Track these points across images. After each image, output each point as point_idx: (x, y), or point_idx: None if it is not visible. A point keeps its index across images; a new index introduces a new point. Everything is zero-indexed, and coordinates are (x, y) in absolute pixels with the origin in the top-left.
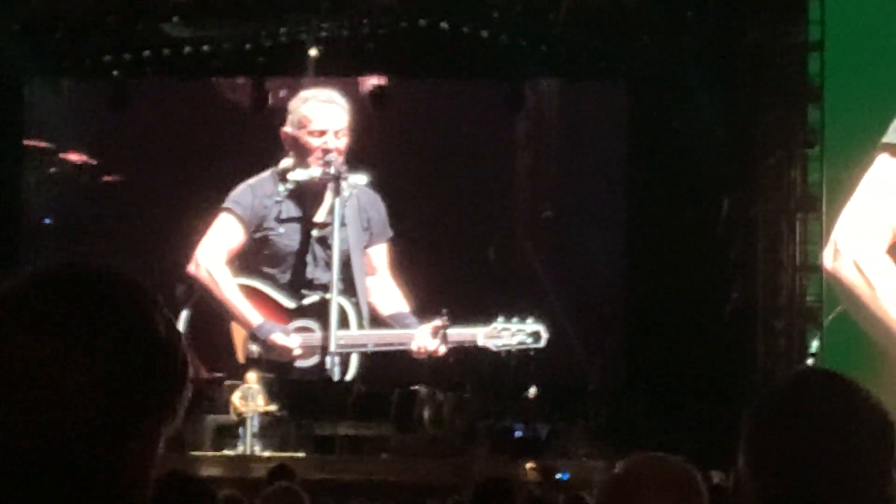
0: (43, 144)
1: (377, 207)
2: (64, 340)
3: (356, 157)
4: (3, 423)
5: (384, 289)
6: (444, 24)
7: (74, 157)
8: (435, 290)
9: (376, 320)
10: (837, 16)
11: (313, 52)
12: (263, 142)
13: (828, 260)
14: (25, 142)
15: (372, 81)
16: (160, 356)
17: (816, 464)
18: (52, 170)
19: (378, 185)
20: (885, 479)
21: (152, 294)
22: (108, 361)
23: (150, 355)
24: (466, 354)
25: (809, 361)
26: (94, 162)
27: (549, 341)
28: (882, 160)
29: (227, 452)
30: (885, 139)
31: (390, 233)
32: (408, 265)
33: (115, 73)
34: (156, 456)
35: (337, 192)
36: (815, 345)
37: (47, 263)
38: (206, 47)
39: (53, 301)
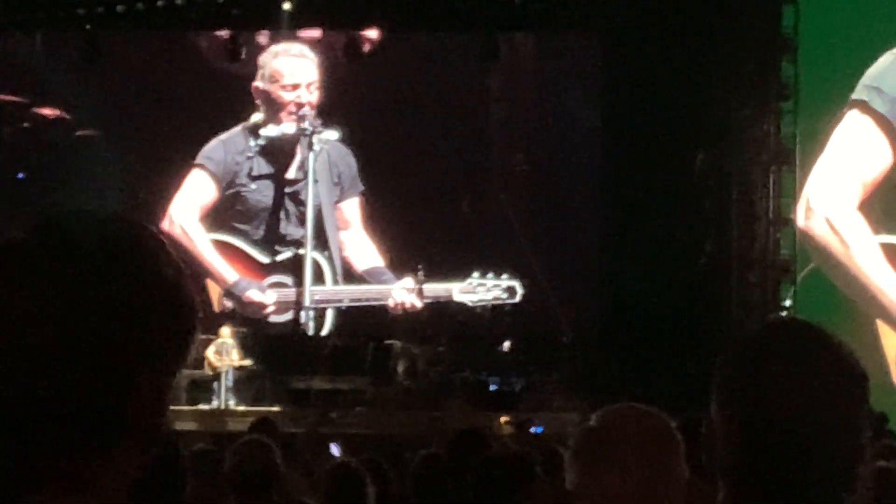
0: (16, 99)
1: (347, 162)
2: (73, 285)
3: (329, 112)
4: (18, 370)
5: (358, 243)
6: None
7: (48, 111)
8: (410, 245)
9: (351, 275)
10: None
11: (287, 5)
12: (238, 95)
13: (800, 218)
14: None
15: (345, 35)
16: (170, 299)
17: (787, 411)
18: (26, 124)
19: (351, 139)
20: (856, 427)
21: (159, 238)
22: (118, 305)
23: (160, 298)
24: (441, 308)
25: (783, 314)
26: (68, 116)
27: (525, 294)
28: (851, 116)
29: (201, 407)
30: (855, 96)
31: (361, 187)
32: (382, 220)
33: (87, 26)
34: (169, 398)
35: (309, 147)
36: (788, 298)
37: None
38: (179, 1)
39: (61, 247)
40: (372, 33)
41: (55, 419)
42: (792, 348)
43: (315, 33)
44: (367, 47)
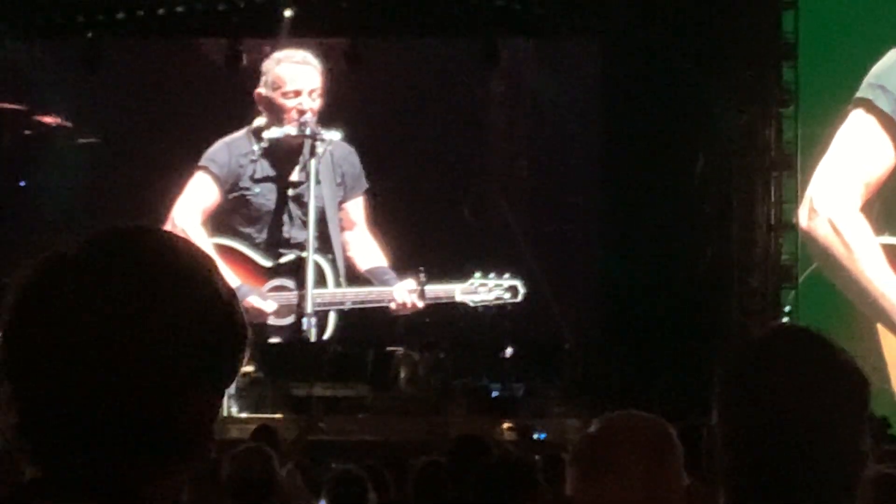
0: (17, 107)
1: (351, 161)
2: (130, 302)
3: (331, 118)
4: (75, 385)
5: (362, 243)
6: None
7: (49, 118)
8: (411, 247)
9: (354, 276)
10: None
11: (287, 12)
12: (238, 102)
13: (803, 219)
14: None
15: (346, 41)
16: (224, 318)
17: (788, 417)
18: (27, 132)
19: (354, 143)
20: (857, 434)
21: (210, 258)
22: (176, 323)
23: (216, 317)
24: (442, 313)
25: (785, 320)
26: (69, 123)
27: (525, 300)
28: (856, 115)
29: None
30: (859, 94)
31: (366, 185)
32: (384, 222)
33: (88, 33)
34: (218, 412)
35: (312, 151)
36: (789, 303)
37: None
38: (180, 7)
39: (118, 263)
40: (373, 39)
41: (109, 434)
42: (793, 354)
43: (316, 39)
44: (368, 53)
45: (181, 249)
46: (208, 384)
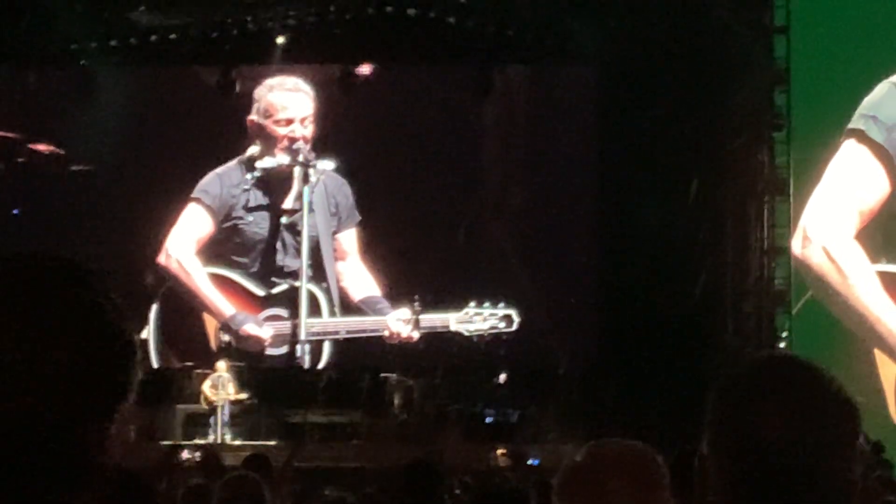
0: (10, 134)
1: (344, 192)
2: (11, 330)
3: (324, 144)
4: None
5: (355, 274)
6: (411, 11)
7: (42, 146)
8: (406, 275)
9: (348, 305)
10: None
11: (280, 39)
12: (232, 130)
13: (797, 246)
14: None
15: (339, 68)
16: (108, 340)
17: (778, 446)
18: (21, 159)
19: (346, 170)
20: (847, 462)
21: (99, 279)
22: (56, 349)
23: (99, 341)
24: (436, 340)
25: (782, 345)
26: (62, 151)
27: (520, 326)
28: (848, 146)
29: (197, 441)
30: (851, 125)
31: (358, 217)
32: (378, 250)
33: (82, 61)
34: (111, 437)
35: (304, 179)
36: (783, 328)
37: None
38: (173, 35)
39: (1, 290)
40: (366, 66)
41: (2, 469)
42: (782, 383)
43: (309, 67)
44: (361, 80)
45: (62, 272)
46: (97, 405)
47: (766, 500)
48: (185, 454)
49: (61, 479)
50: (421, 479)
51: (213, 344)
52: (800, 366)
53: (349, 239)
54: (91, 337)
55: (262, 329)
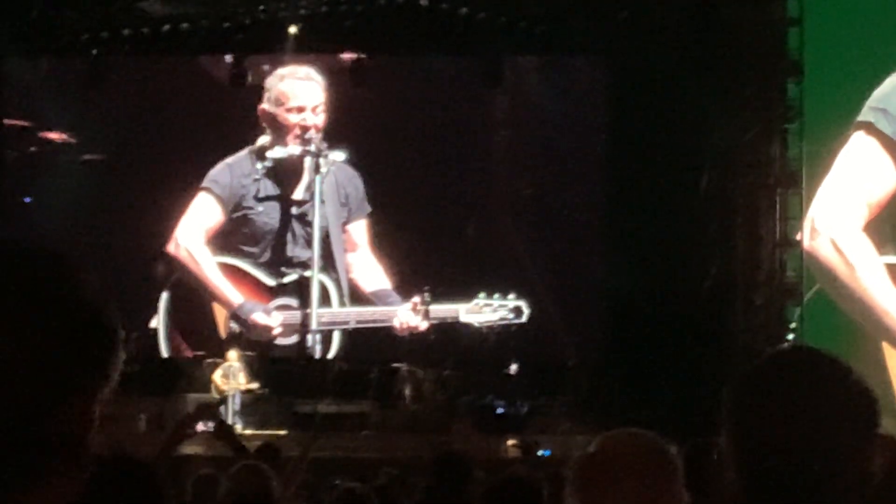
0: (22, 123)
1: (354, 183)
2: None
3: (334, 134)
4: None
5: (365, 265)
6: (422, 1)
7: (54, 135)
8: (416, 267)
9: (358, 297)
10: None
11: (292, 29)
12: (243, 119)
13: (805, 239)
14: (5, 121)
15: (350, 58)
16: (85, 321)
17: (797, 438)
18: (32, 148)
19: (357, 161)
20: (865, 452)
21: (78, 263)
22: (35, 329)
23: (74, 321)
24: (447, 331)
25: (790, 337)
26: (74, 140)
27: (530, 318)
28: (857, 138)
29: (208, 430)
30: (861, 117)
31: (368, 208)
32: (388, 242)
33: (93, 51)
34: (93, 422)
35: (315, 169)
36: (794, 321)
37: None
38: (184, 25)
39: None
40: (377, 57)
41: None
42: (800, 375)
43: (320, 56)
44: (372, 71)
45: (37, 256)
46: (77, 389)
47: (784, 490)
48: (200, 426)
49: (36, 463)
50: (450, 470)
51: (222, 333)
52: (816, 357)
53: (359, 230)
54: (65, 317)
55: (271, 318)
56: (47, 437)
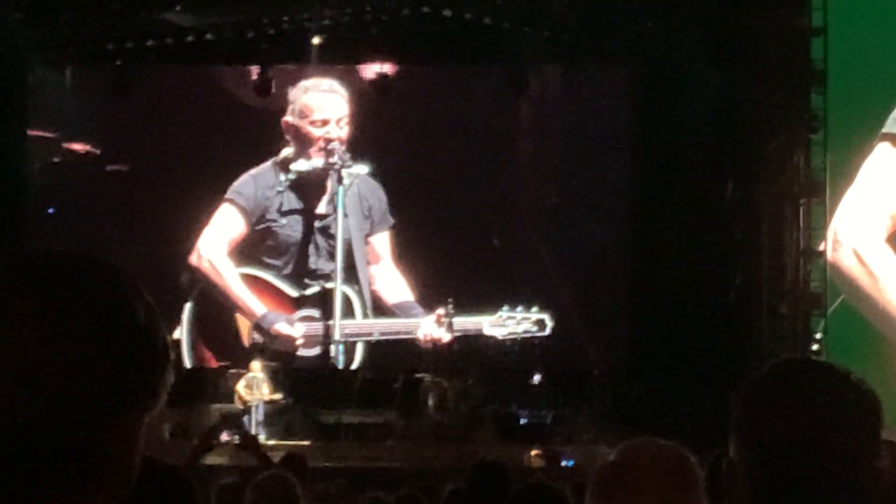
0: (47, 134)
1: (377, 196)
2: (41, 327)
3: (359, 146)
4: None
5: (388, 277)
6: (446, 11)
7: (78, 146)
8: (439, 279)
9: (381, 309)
10: (840, 1)
11: (316, 39)
12: (268, 130)
13: (828, 250)
14: (29, 131)
15: (375, 69)
16: (139, 342)
17: (802, 444)
18: (56, 159)
19: (382, 172)
20: (872, 451)
21: (132, 280)
22: (86, 348)
23: (129, 341)
24: (470, 341)
25: (814, 347)
26: (98, 151)
27: (554, 327)
28: (881, 149)
29: (232, 441)
30: (885, 129)
31: (391, 221)
32: (412, 254)
33: (118, 61)
34: (140, 441)
35: (339, 181)
36: (818, 330)
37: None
38: (208, 35)
39: (31, 287)
40: (401, 67)
41: (26, 465)
42: (802, 384)
43: (345, 67)
44: (396, 81)
45: (94, 271)
46: (127, 408)
47: (794, 495)
48: (225, 436)
49: (83, 479)
50: (490, 480)
51: (245, 343)
52: (817, 367)
53: (382, 242)
54: (121, 337)
55: (294, 328)
56: (95, 455)
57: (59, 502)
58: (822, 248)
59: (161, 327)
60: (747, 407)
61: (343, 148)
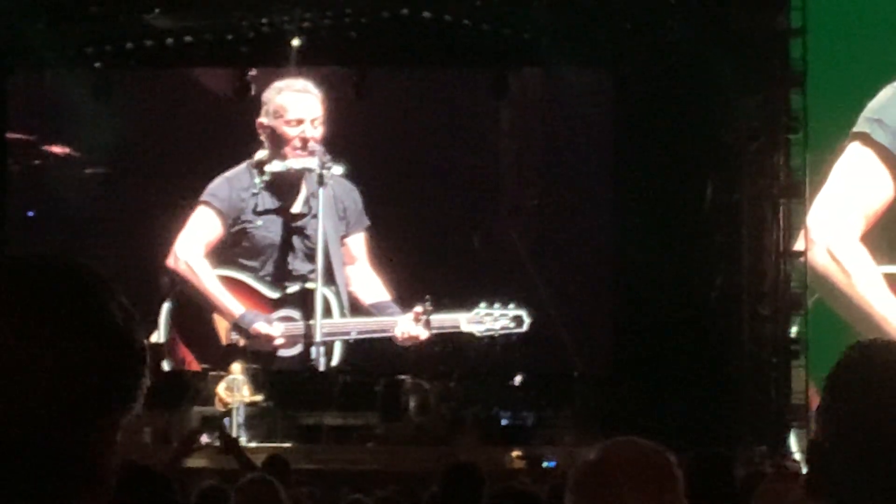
0: (26, 137)
1: (352, 197)
2: (15, 330)
3: (338, 147)
4: None
5: (364, 278)
6: (426, 13)
7: (58, 148)
8: (418, 279)
9: (358, 309)
10: (819, 1)
11: (295, 41)
12: (247, 133)
13: (801, 248)
14: (8, 135)
15: (354, 71)
16: (116, 345)
17: (887, 430)
18: (36, 162)
19: (360, 174)
20: None
21: (108, 283)
22: (62, 351)
23: (106, 344)
24: (451, 343)
25: (794, 347)
26: (78, 153)
27: (535, 329)
28: (853, 149)
29: (212, 443)
30: (856, 128)
31: (367, 222)
32: (391, 252)
33: (97, 64)
34: (116, 444)
35: (318, 181)
36: (794, 329)
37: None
38: (188, 38)
39: (5, 292)
40: (381, 69)
41: (2, 469)
42: (883, 363)
43: (324, 69)
44: (375, 83)
45: (69, 275)
46: (104, 411)
47: (888, 479)
48: (205, 438)
49: (59, 483)
50: (463, 482)
51: (224, 345)
52: None
53: (358, 243)
54: (97, 340)
55: (273, 327)
56: (72, 459)
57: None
58: (799, 247)
59: (138, 330)
60: (839, 390)
61: (320, 149)
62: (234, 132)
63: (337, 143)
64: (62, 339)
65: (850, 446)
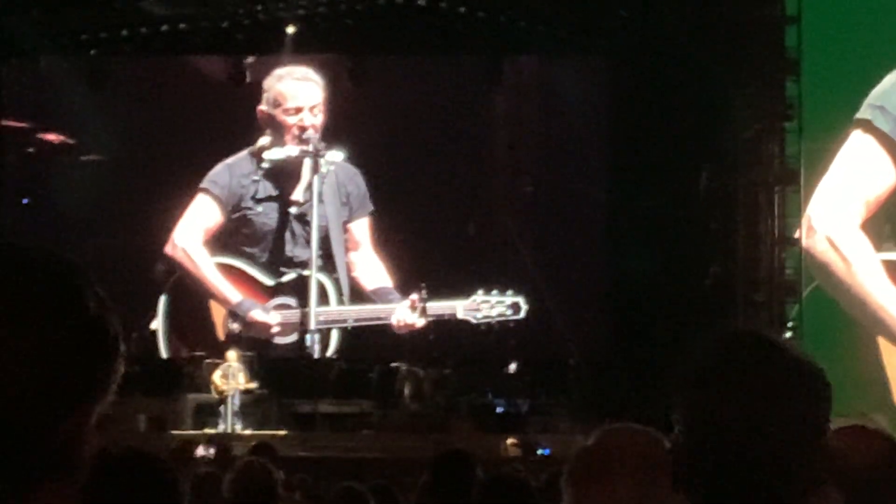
0: (21, 124)
1: (356, 182)
2: None
3: (335, 134)
4: None
5: (367, 263)
6: (421, 1)
7: (53, 136)
8: (415, 266)
9: (359, 295)
10: None
11: (291, 29)
12: (242, 119)
13: (802, 237)
14: (3, 122)
15: (350, 58)
16: (89, 334)
17: (737, 429)
18: (31, 150)
19: (357, 161)
20: (819, 435)
21: (83, 272)
22: (35, 339)
23: (79, 333)
24: (447, 330)
25: (788, 334)
26: (73, 141)
27: (531, 316)
28: (855, 136)
29: (207, 431)
30: (859, 115)
31: (371, 207)
32: (388, 241)
33: (92, 51)
34: (89, 432)
35: (315, 169)
36: (793, 318)
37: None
38: (183, 25)
39: None
40: (376, 56)
41: None
42: (749, 362)
43: (320, 56)
44: (371, 70)
45: (42, 263)
46: (78, 399)
47: (738, 474)
48: (200, 450)
49: (30, 469)
50: (454, 468)
51: (221, 334)
52: (764, 341)
53: (361, 228)
54: (70, 329)
55: (269, 315)
56: (45, 446)
57: (12, 495)
58: (797, 235)
59: (112, 319)
60: (683, 383)
61: (318, 136)
62: (231, 119)
63: (332, 130)
64: (36, 328)
65: (708, 442)
